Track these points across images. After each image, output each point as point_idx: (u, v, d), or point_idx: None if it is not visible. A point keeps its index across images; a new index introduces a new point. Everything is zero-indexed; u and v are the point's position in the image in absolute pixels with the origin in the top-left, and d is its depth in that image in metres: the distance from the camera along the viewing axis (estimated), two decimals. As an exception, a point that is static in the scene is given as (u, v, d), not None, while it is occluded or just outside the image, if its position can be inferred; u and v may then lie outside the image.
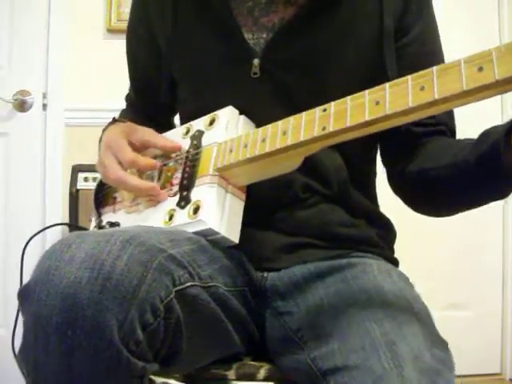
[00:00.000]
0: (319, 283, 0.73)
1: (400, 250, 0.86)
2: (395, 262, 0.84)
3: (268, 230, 0.77)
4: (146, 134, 0.80)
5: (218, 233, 0.70)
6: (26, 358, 0.52)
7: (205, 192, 0.72)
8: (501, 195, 0.65)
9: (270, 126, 0.67)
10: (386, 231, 0.84)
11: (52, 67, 2.08)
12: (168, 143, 0.79)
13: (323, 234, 0.77)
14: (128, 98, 1.02)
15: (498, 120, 2.55)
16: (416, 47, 0.80)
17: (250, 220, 0.75)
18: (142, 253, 0.56)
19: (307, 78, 0.77)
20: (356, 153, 0.80)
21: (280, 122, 0.66)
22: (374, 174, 0.88)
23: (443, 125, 0.80)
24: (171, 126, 0.97)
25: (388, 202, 0.82)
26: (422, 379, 0.56)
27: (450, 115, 0.81)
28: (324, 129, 0.60)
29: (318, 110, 0.62)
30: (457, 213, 0.75)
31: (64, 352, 0.50)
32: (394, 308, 0.65)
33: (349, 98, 0.60)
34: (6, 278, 2.00)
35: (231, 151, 0.71)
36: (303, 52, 0.77)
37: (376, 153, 0.87)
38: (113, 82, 2.03)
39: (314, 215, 0.77)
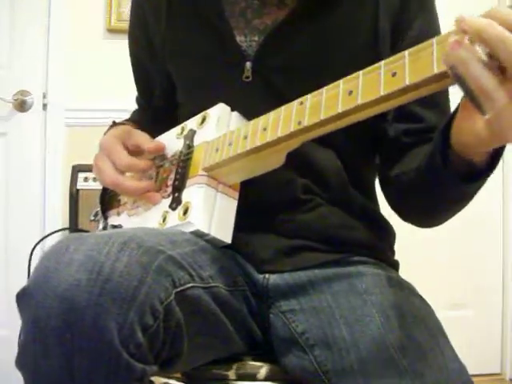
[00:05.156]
0: (325, 288, 0.72)
1: (400, 250, 0.86)
2: (396, 265, 0.84)
3: (268, 233, 0.77)
4: (139, 138, 0.80)
5: (207, 234, 0.70)
6: (25, 361, 0.52)
7: (194, 193, 0.72)
8: (461, 194, 0.64)
9: (252, 123, 0.67)
10: (386, 233, 0.84)
11: (52, 67, 2.08)
12: (151, 145, 0.79)
13: (323, 237, 0.77)
14: (136, 100, 1.02)
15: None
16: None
17: (251, 223, 0.74)
18: (141, 254, 0.55)
19: (300, 82, 0.74)
20: (354, 155, 0.80)
21: (261, 118, 0.65)
22: (374, 176, 0.87)
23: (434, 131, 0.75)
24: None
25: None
26: None
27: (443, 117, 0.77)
28: (300, 123, 0.59)
29: (295, 104, 0.61)
30: (436, 220, 0.74)
31: (63, 355, 0.49)
32: (414, 334, 0.64)
33: (325, 88, 0.58)
34: (7, 277, 2.00)
35: (217, 150, 0.70)
36: (296, 55, 0.75)
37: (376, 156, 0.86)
38: (113, 82, 2.03)
39: (314, 219, 0.77)
